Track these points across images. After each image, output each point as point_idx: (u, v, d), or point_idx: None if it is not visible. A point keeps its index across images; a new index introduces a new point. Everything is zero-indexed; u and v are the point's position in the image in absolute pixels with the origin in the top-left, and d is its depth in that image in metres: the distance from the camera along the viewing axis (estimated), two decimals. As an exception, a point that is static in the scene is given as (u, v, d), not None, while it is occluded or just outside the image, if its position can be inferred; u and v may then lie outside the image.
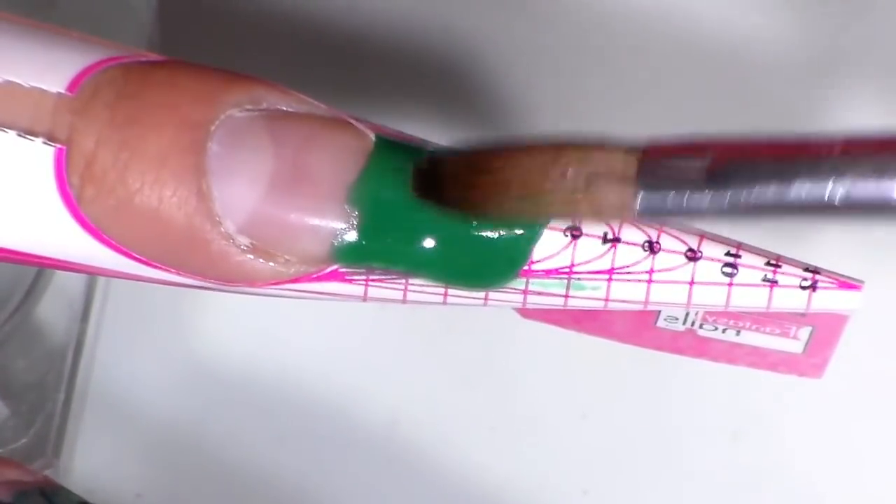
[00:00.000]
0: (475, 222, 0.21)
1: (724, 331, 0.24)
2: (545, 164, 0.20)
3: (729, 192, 0.19)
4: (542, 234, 0.22)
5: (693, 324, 0.24)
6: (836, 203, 0.18)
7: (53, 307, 0.37)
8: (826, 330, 0.24)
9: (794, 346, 0.24)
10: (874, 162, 0.18)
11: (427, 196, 0.21)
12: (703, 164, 0.19)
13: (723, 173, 0.19)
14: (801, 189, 0.18)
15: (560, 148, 0.20)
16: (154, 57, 0.22)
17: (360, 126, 0.22)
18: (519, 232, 0.21)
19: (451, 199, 0.21)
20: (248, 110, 0.21)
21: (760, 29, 0.40)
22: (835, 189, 0.18)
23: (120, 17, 0.38)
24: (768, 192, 0.19)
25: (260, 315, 0.39)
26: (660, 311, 0.24)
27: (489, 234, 0.21)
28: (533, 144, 0.20)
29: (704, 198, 0.19)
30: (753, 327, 0.24)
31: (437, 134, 0.23)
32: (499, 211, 0.20)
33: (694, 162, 0.19)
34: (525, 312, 0.23)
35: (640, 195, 0.19)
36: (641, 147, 0.20)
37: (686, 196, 0.19)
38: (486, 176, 0.20)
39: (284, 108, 0.22)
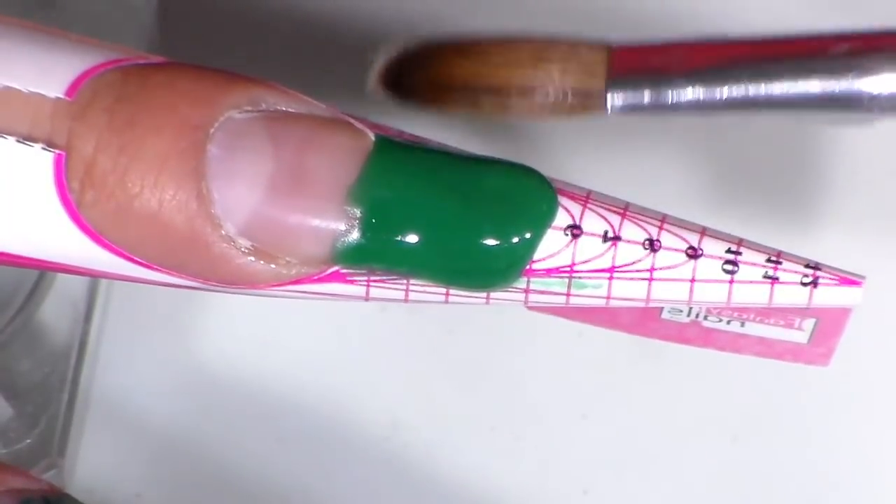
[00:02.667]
0: (440, 110, 0.21)
1: (728, 322, 0.24)
2: (524, 54, 0.20)
3: (707, 89, 0.19)
4: (544, 235, 0.22)
5: (697, 315, 0.24)
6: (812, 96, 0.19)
7: (56, 308, 0.37)
8: (830, 321, 0.24)
9: (799, 336, 0.24)
10: (839, 58, 0.19)
11: (394, 85, 0.21)
12: (674, 61, 0.20)
13: (699, 70, 0.20)
14: (773, 86, 0.19)
15: (538, 42, 0.20)
16: (153, 59, 0.22)
17: (360, 126, 0.22)
18: (524, 235, 0.22)
19: (423, 86, 0.21)
20: (247, 112, 0.21)
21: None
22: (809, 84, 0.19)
23: (120, 17, 0.38)
24: (742, 88, 0.19)
25: (261, 316, 0.39)
26: None
27: (491, 236, 0.21)
28: (511, 39, 0.20)
29: (679, 92, 0.20)
30: (757, 319, 0.24)
31: (437, 133, 0.23)
32: (470, 99, 0.20)
33: (667, 60, 0.20)
34: (531, 306, 0.23)
35: (612, 86, 0.20)
36: (615, 45, 0.20)
37: (660, 90, 0.20)
38: (464, 60, 0.20)
39: (284, 109, 0.22)
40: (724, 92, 0.20)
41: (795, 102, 0.20)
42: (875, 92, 0.19)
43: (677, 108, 0.20)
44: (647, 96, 0.20)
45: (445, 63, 0.21)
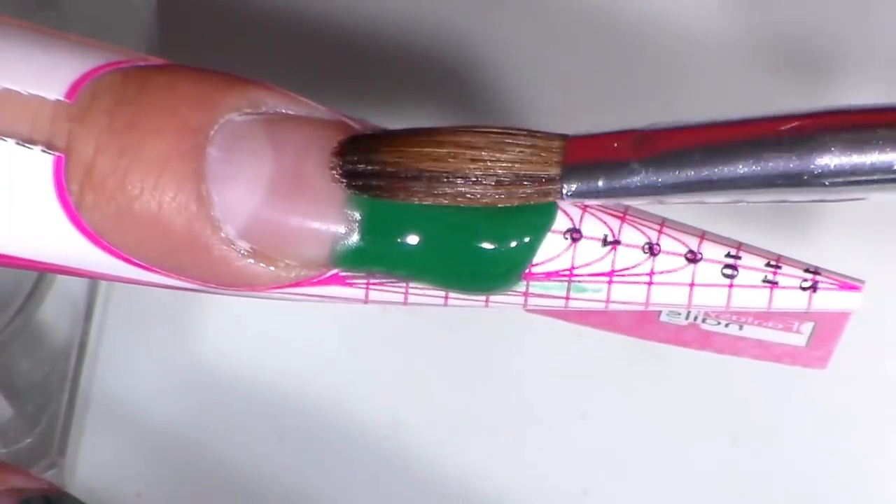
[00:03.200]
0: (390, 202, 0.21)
1: (726, 325, 0.24)
2: (480, 141, 0.21)
3: (659, 172, 0.20)
4: (543, 239, 0.22)
5: (696, 318, 0.24)
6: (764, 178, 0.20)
7: (56, 308, 0.37)
8: (828, 324, 0.24)
9: (798, 339, 0.24)
10: (799, 139, 0.20)
11: (349, 176, 0.21)
12: (631, 147, 0.20)
13: (652, 156, 0.20)
14: (726, 168, 0.20)
15: (495, 131, 0.21)
16: (153, 61, 0.22)
17: (360, 128, 0.22)
18: (523, 239, 0.21)
19: (379, 175, 0.21)
20: (247, 114, 0.21)
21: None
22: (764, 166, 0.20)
23: (120, 17, 0.38)
24: (697, 172, 0.20)
25: (261, 316, 0.39)
26: None
27: (489, 240, 0.21)
28: (470, 127, 0.21)
29: (633, 178, 0.20)
30: (756, 322, 0.24)
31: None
32: (424, 187, 0.21)
33: (622, 144, 0.20)
34: (530, 309, 0.23)
35: (567, 174, 0.20)
36: (571, 135, 0.21)
37: (614, 177, 0.20)
38: (418, 147, 0.21)
39: (284, 111, 0.22)
40: (678, 176, 0.20)
41: (749, 181, 0.20)
42: (824, 165, 0.20)
43: (630, 191, 0.21)
44: (601, 182, 0.21)
45: (399, 146, 0.21)
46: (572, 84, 0.41)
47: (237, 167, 0.21)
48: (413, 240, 0.21)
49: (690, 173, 0.20)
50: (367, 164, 0.21)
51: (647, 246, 0.22)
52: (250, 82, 0.22)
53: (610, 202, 0.21)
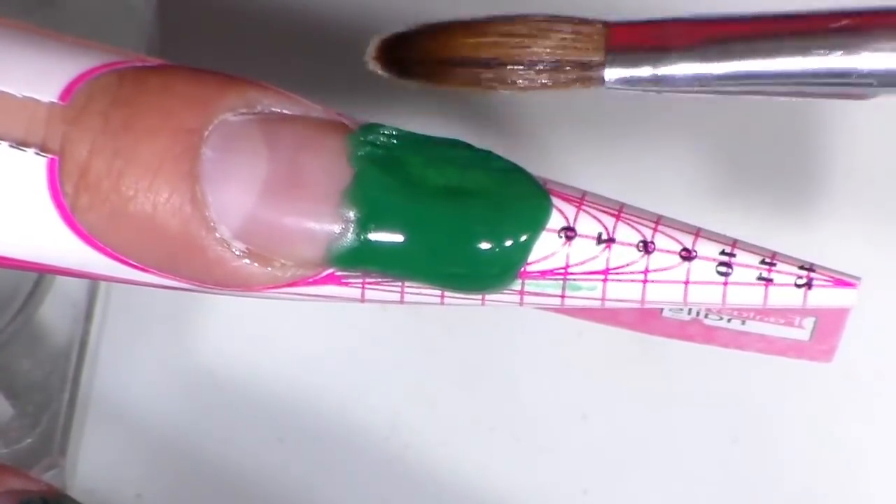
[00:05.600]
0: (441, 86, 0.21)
1: (728, 320, 0.24)
2: (521, 28, 0.21)
3: (704, 61, 0.20)
4: (538, 238, 0.22)
5: (699, 314, 0.24)
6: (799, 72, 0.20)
7: (57, 308, 0.37)
8: (829, 319, 0.24)
9: (800, 333, 0.24)
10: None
11: (392, 62, 0.21)
12: (672, 37, 0.20)
13: (697, 45, 0.20)
14: (771, 62, 0.20)
15: (536, 18, 0.21)
16: (150, 61, 0.22)
17: (357, 128, 0.22)
18: (517, 238, 0.21)
19: (421, 62, 0.21)
20: (242, 114, 0.21)
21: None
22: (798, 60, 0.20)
23: (119, 17, 0.38)
24: (742, 63, 0.20)
25: (260, 316, 0.39)
26: None
27: (484, 239, 0.21)
28: (509, 16, 0.21)
29: (677, 67, 0.20)
30: (758, 317, 0.24)
31: (432, 132, 0.23)
32: (469, 74, 0.21)
33: (666, 32, 0.20)
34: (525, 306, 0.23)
35: (611, 60, 0.20)
36: (614, 22, 0.21)
37: (658, 65, 0.20)
38: (462, 35, 0.21)
39: (279, 111, 0.22)
40: (722, 67, 0.20)
41: (793, 78, 0.20)
42: (872, 68, 0.20)
43: (674, 82, 0.20)
44: (644, 70, 0.20)
45: (443, 39, 0.21)
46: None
47: (232, 167, 0.21)
48: (408, 239, 0.21)
49: (735, 65, 0.20)
50: (412, 53, 0.21)
51: (641, 244, 0.22)
52: (246, 82, 0.22)
53: (652, 90, 0.21)
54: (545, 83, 0.21)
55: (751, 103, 0.39)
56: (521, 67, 0.21)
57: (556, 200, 0.22)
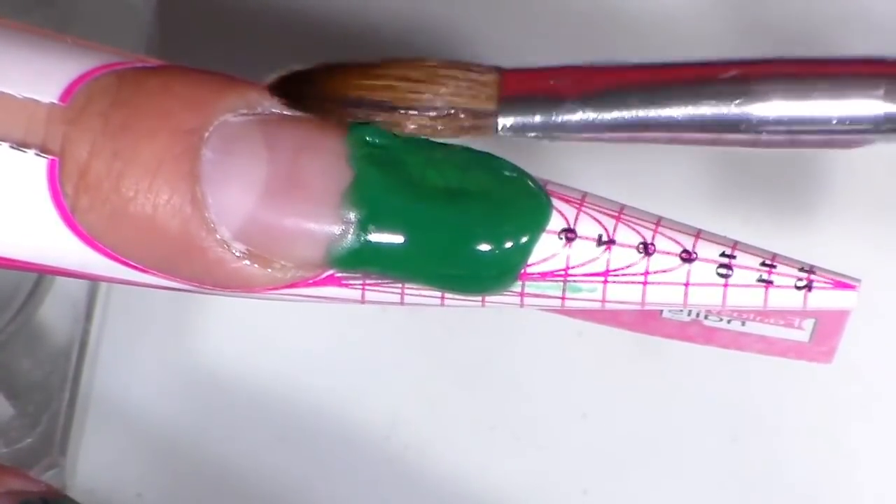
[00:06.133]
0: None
1: (728, 321, 0.24)
2: (416, 73, 0.21)
3: (597, 110, 0.20)
4: (538, 240, 0.22)
5: (698, 315, 0.24)
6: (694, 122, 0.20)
7: (57, 308, 0.37)
8: (829, 321, 0.24)
9: (800, 335, 0.24)
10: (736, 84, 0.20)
11: (286, 97, 0.21)
12: (565, 85, 0.20)
13: (590, 95, 0.20)
14: (663, 110, 0.20)
15: (432, 63, 0.21)
16: (149, 62, 0.22)
17: (357, 129, 0.22)
18: (518, 241, 0.21)
19: (315, 99, 0.21)
20: (242, 115, 0.21)
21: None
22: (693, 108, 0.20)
23: (119, 17, 0.38)
24: (634, 112, 0.20)
25: (260, 316, 0.39)
26: None
27: (484, 241, 0.21)
28: (407, 59, 0.21)
29: (570, 116, 0.20)
30: (757, 318, 0.24)
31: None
32: (361, 115, 0.21)
33: (559, 81, 0.21)
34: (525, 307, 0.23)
35: (503, 108, 0.21)
36: (507, 68, 0.21)
37: (550, 113, 0.20)
38: (357, 76, 0.21)
39: (279, 112, 0.22)
40: (614, 114, 0.20)
41: (685, 125, 0.21)
42: (762, 115, 0.20)
43: (567, 128, 0.21)
44: (536, 118, 0.21)
45: (339, 79, 0.21)
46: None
47: (232, 168, 0.21)
48: (408, 241, 0.21)
49: (628, 114, 0.21)
50: (308, 89, 0.21)
51: (641, 245, 0.22)
52: (245, 83, 0.22)
53: (545, 137, 0.21)
54: (438, 129, 0.21)
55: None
56: (414, 113, 0.21)
57: (556, 202, 0.22)
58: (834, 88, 0.20)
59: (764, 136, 0.20)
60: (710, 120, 0.20)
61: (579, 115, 0.21)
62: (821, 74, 0.20)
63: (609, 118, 0.21)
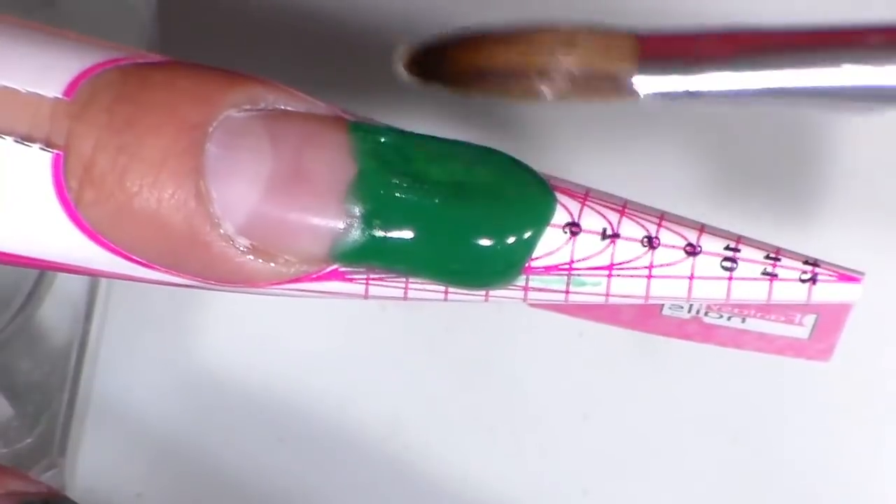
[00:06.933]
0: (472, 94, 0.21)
1: (728, 318, 0.24)
2: (552, 38, 0.20)
3: (739, 75, 0.20)
4: (542, 234, 0.22)
5: (698, 312, 0.24)
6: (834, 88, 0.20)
7: (56, 308, 0.37)
8: (831, 317, 0.24)
9: (800, 331, 0.24)
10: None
11: (421, 70, 0.21)
12: (707, 47, 0.20)
13: (730, 58, 0.20)
14: (806, 76, 0.20)
15: (566, 28, 0.21)
16: (153, 57, 0.22)
17: (360, 124, 0.22)
18: (522, 235, 0.22)
19: (451, 70, 0.21)
20: (246, 110, 0.21)
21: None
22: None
23: (120, 17, 0.38)
24: (774, 77, 0.20)
25: (261, 316, 0.39)
26: None
27: (489, 235, 0.21)
28: (539, 27, 0.21)
29: (710, 80, 0.20)
30: (758, 315, 0.24)
31: (436, 132, 0.23)
32: (498, 83, 0.21)
33: (698, 44, 0.20)
34: (532, 303, 0.23)
35: (642, 71, 0.20)
36: (645, 32, 0.20)
37: (690, 75, 0.20)
38: (491, 45, 0.21)
39: (283, 107, 0.22)
40: (756, 79, 0.20)
41: (829, 93, 0.20)
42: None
43: (707, 94, 0.20)
44: (676, 81, 0.20)
45: (472, 49, 0.21)
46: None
47: (236, 164, 0.21)
48: (412, 235, 0.21)
49: (768, 77, 0.20)
50: (440, 62, 0.21)
51: (646, 239, 0.22)
52: (249, 78, 0.22)
53: (685, 101, 0.21)
54: (577, 92, 0.21)
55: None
56: (551, 78, 0.21)
57: (560, 196, 0.22)
58: None
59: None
60: (853, 88, 0.20)
61: (719, 80, 0.20)
62: None
63: (750, 83, 0.20)
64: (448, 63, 0.21)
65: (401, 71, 0.21)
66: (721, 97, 0.20)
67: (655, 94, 0.20)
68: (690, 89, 0.20)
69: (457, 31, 0.21)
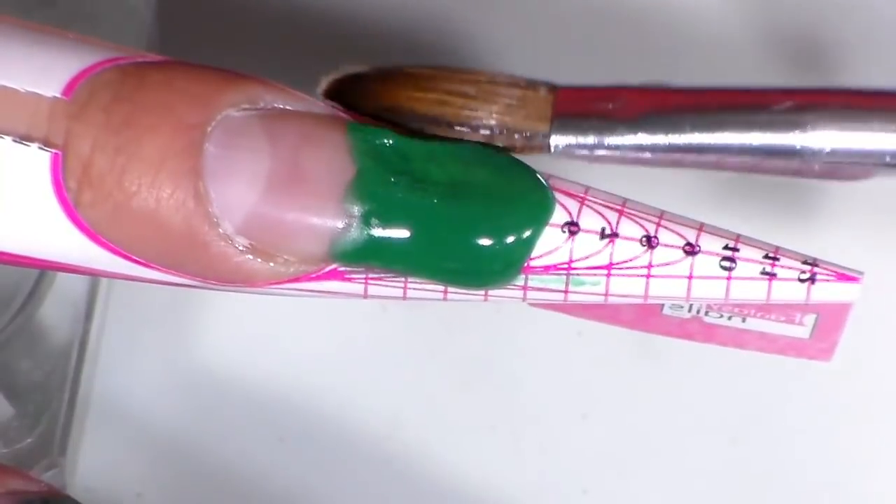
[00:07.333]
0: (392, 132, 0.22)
1: (729, 318, 0.24)
2: (470, 88, 0.21)
3: (651, 134, 0.20)
4: (541, 234, 0.22)
5: (699, 311, 0.24)
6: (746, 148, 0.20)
7: (57, 307, 0.37)
8: (831, 316, 0.24)
9: (801, 331, 0.24)
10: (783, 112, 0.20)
11: (344, 98, 0.22)
12: (619, 106, 0.20)
13: (641, 117, 0.20)
14: (716, 136, 0.20)
15: (485, 78, 0.21)
16: (152, 57, 0.22)
17: (358, 124, 0.22)
18: (520, 235, 0.22)
19: (366, 106, 0.21)
20: (245, 110, 0.21)
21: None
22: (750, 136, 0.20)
23: (119, 16, 0.38)
24: (685, 136, 0.20)
25: (261, 316, 0.39)
26: None
27: (488, 235, 0.21)
28: (461, 72, 0.21)
29: (623, 138, 0.20)
30: (758, 314, 0.24)
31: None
32: (415, 110, 0.21)
33: (610, 105, 0.20)
34: (531, 303, 0.23)
35: (556, 128, 0.20)
36: (562, 87, 0.21)
37: (603, 136, 0.20)
38: (411, 87, 0.21)
39: (282, 107, 0.22)
40: (668, 139, 0.20)
41: (737, 152, 0.20)
42: (816, 147, 0.20)
43: (620, 150, 0.21)
44: (589, 139, 0.21)
45: (390, 88, 0.21)
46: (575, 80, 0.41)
47: (235, 163, 0.21)
48: (411, 234, 0.21)
49: (681, 139, 0.20)
50: (360, 97, 0.21)
51: (644, 238, 0.22)
52: (247, 78, 0.22)
53: (593, 160, 0.21)
54: (489, 142, 0.21)
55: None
56: (466, 130, 0.21)
57: (559, 196, 0.22)
58: (889, 121, 0.20)
59: (817, 168, 0.20)
60: (764, 148, 0.20)
61: (633, 139, 0.21)
62: (876, 107, 0.20)
63: (662, 142, 0.21)
64: (367, 99, 0.21)
65: (321, 97, 0.22)
66: (634, 153, 0.21)
67: (568, 149, 0.21)
68: (602, 147, 0.21)
69: (378, 67, 0.22)
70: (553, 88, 0.21)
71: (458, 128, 0.21)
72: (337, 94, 0.22)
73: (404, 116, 0.21)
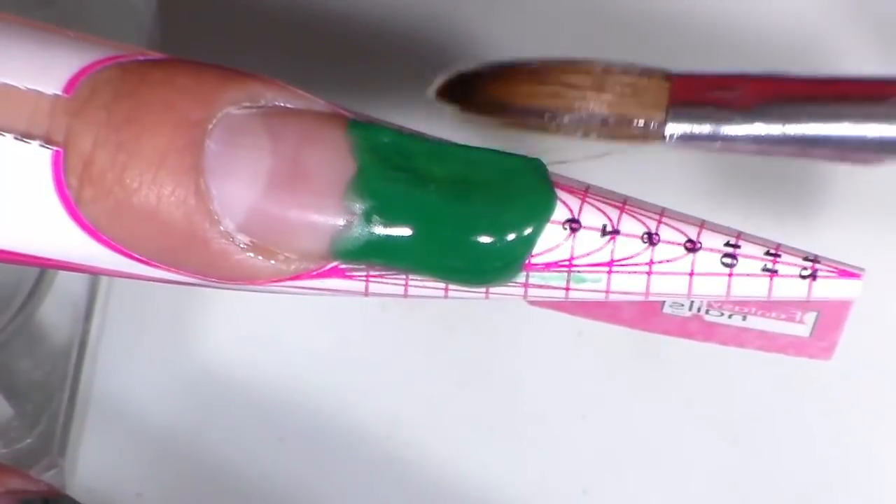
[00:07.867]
0: (501, 125, 0.21)
1: (730, 316, 0.24)
2: (585, 79, 0.20)
3: (762, 124, 0.20)
4: (542, 231, 0.22)
5: (699, 310, 0.24)
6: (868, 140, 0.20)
7: (57, 307, 0.37)
8: (831, 314, 0.24)
9: (801, 329, 0.24)
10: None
11: (456, 99, 0.21)
12: (736, 95, 0.20)
13: (758, 107, 0.20)
14: (831, 127, 0.20)
15: (599, 68, 0.21)
16: (152, 55, 0.22)
17: (359, 121, 0.22)
18: (522, 232, 0.21)
19: (486, 102, 0.21)
20: (245, 108, 0.21)
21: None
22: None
23: (120, 16, 0.38)
24: (801, 127, 0.20)
25: (261, 315, 0.39)
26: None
27: (489, 232, 0.21)
28: (575, 63, 0.21)
29: (738, 126, 0.20)
30: (759, 313, 0.24)
31: (437, 130, 0.23)
32: (529, 119, 0.21)
33: (728, 94, 0.20)
34: (532, 300, 0.23)
35: (672, 117, 0.20)
36: (676, 74, 0.20)
37: (719, 123, 0.20)
38: (527, 81, 0.21)
39: (282, 105, 0.22)
40: (783, 129, 0.20)
41: (852, 144, 0.20)
42: None
43: (734, 141, 0.20)
44: (705, 129, 0.20)
45: (506, 84, 0.21)
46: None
47: (236, 161, 0.21)
48: (412, 232, 0.21)
49: (795, 129, 0.20)
50: (476, 95, 0.21)
51: (646, 235, 0.22)
52: (248, 76, 0.22)
53: (709, 149, 0.21)
54: (606, 136, 0.21)
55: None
56: (582, 120, 0.21)
57: (560, 192, 0.22)
58: None
59: None
60: (877, 141, 0.20)
61: (748, 128, 0.20)
62: None
63: (776, 132, 0.20)
64: (482, 96, 0.21)
65: (438, 100, 0.21)
66: (748, 144, 0.20)
67: (683, 139, 0.20)
68: (718, 137, 0.20)
69: (493, 62, 0.22)
70: (669, 76, 0.21)
71: (575, 119, 0.21)
72: (450, 93, 0.21)
73: (519, 111, 0.21)
